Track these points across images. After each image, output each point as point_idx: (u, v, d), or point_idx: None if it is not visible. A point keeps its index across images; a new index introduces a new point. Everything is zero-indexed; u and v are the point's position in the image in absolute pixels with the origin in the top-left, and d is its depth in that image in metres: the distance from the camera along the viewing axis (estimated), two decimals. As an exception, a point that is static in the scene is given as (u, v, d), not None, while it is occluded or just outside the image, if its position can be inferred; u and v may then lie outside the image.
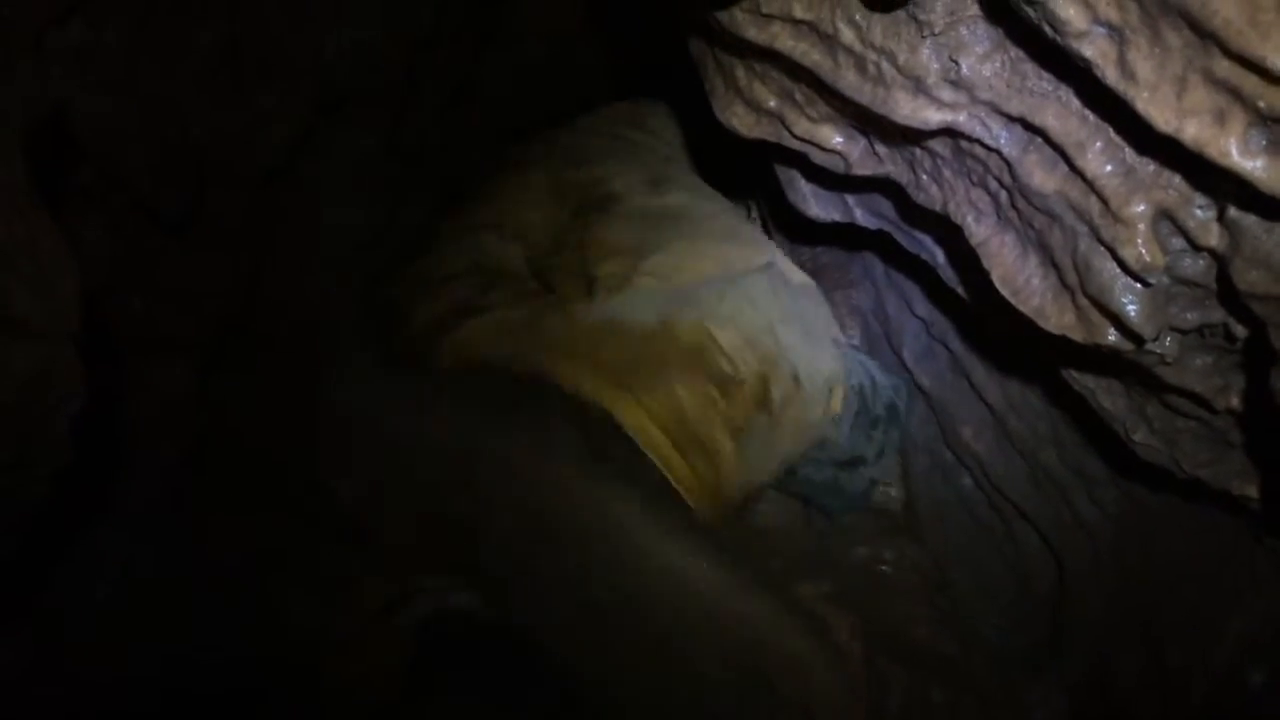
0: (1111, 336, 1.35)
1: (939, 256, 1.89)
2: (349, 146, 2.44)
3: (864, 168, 1.71)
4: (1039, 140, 1.31)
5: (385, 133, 2.48)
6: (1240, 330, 1.26)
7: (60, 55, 1.52)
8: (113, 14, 1.67)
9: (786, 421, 2.20)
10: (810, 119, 1.72)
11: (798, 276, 2.41)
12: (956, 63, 1.32)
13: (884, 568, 2.16)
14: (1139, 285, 1.27)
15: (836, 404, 2.32)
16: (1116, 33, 1.05)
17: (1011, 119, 1.32)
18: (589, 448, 1.98)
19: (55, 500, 1.14)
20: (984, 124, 1.36)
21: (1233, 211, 1.11)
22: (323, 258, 2.52)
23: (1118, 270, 1.27)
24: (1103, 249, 1.28)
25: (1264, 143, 0.99)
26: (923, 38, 1.34)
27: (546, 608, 2.02)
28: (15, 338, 0.93)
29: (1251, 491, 1.55)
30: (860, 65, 1.45)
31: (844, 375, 2.34)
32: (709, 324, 2.14)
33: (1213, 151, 1.02)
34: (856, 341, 2.65)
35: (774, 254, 2.39)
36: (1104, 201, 1.24)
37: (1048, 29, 1.11)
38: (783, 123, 1.77)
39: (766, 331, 2.20)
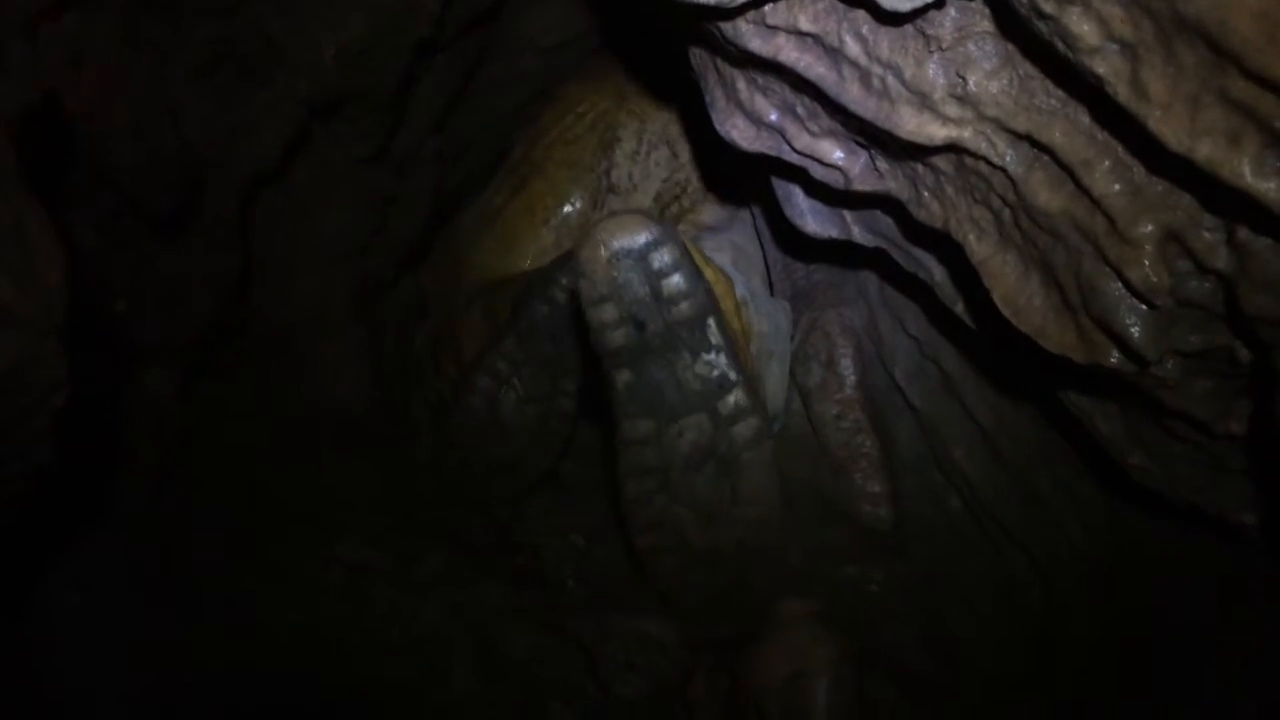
0: (1114, 358, 1.34)
1: (936, 275, 1.87)
2: (343, 150, 2.41)
3: (864, 184, 1.70)
4: (1045, 158, 1.30)
5: (380, 138, 2.46)
6: (1245, 354, 1.25)
7: (53, 48, 1.49)
8: (106, 8, 1.65)
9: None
10: (811, 133, 1.71)
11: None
12: (964, 78, 1.31)
13: (873, 588, 2.14)
14: (1144, 307, 1.26)
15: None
16: (1130, 50, 1.05)
17: (1018, 136, 1.31)
18: None
19: (37, 498, 1.11)
20: (989, 141, 1.35)
21: (1243, 234, 1.10)
22: (312, 262, 2.49)
23: (1123, 291, 1.26)
24: (1108, 269, 1.27)
25: (1279, 165, 0.98)
26: (930, 53, 1.33)
27: None
28: (-2, 327, 0.91)
29: (1248, 518, 1.54)
30: (865, 79, 1.43)
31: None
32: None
33: (1226, 173, 1.01)
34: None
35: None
36: (1110, 221, 1.23)
37: (1060, 45, 1.10)
38: (783, 136, 1.76)
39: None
